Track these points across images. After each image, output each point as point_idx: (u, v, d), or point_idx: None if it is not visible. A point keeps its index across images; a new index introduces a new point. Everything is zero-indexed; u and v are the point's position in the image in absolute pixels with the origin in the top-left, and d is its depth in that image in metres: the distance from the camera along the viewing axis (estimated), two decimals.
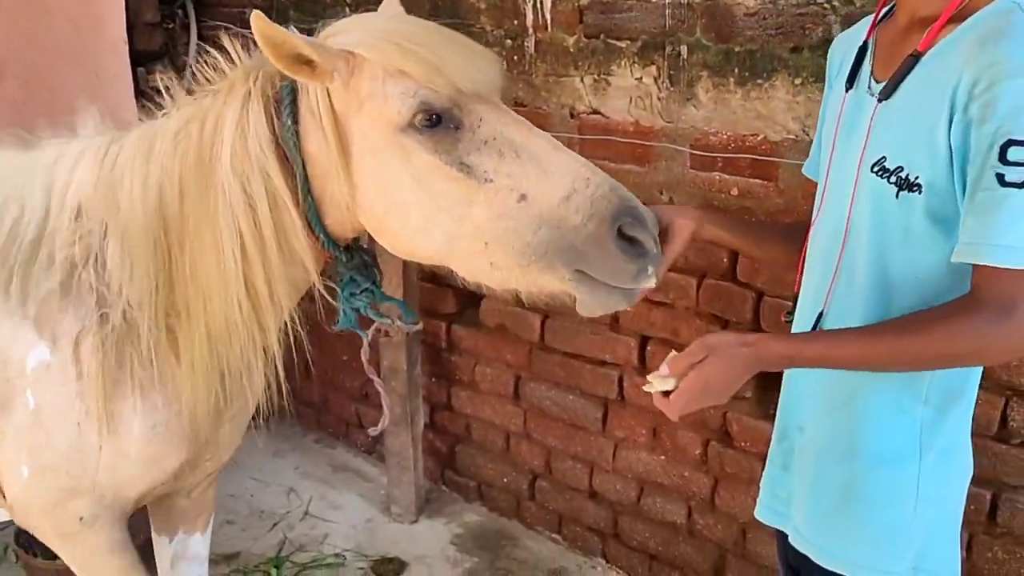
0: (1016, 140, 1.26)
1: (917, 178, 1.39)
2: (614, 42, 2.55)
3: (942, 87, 1.34)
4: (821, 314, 1.59)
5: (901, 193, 1.41)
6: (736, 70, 2.35)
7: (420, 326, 3.13)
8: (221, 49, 1.63)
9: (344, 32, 1.55)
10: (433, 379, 3.36)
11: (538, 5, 2.66)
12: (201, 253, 1.58)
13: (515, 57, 2.77)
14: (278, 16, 3.33)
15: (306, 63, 1.46)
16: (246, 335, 1.62)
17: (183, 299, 1.63)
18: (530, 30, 2.70)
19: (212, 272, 1.58)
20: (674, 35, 2.44)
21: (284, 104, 1.54)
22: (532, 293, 1.55)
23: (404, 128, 1.47)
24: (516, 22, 2.73)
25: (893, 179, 1.42)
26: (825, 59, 1.73)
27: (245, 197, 1.54)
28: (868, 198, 1.48)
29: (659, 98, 2.51)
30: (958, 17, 1.37)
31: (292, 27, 3.05)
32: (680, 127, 2.49)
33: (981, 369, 1.55)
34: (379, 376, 2.97)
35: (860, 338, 1.43)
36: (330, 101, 1.52)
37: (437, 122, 1.47)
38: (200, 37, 3.53)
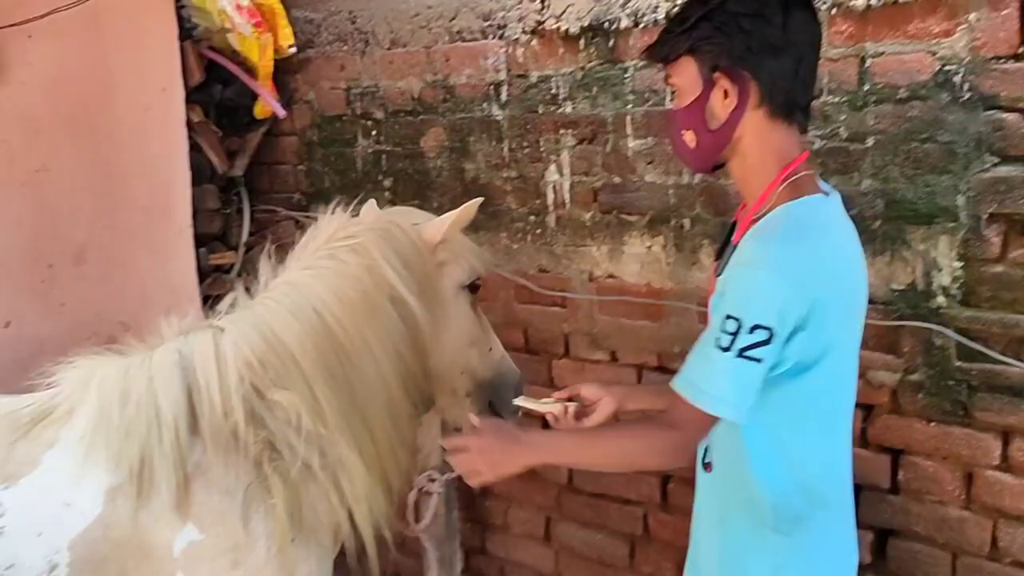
0: (730, 314, 1.61)
1: None
2: (626, 217, 2.96)
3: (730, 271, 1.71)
4: (707, 447, 1.88)
5: None
6: None
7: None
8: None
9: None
10: (468, 524, 3.60)
11: (557, 187, 3.08)
12: (386, 359, 2.00)
13: (538, 231, 3.17)
14: (325, 201, 3.75)
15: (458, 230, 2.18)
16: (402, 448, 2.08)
17: (367, 411, 1.98)
18: (551, 208, 3.11)
19: (395, 373, 2.02)
20: (677, 210, 2.84)
21: None
22: (448, 415, 2.29)
23: (463, 287, 2.19)
24: (538, 201, 3.14)
25: None
26: None
27: (402, 316, 2.03)
28: None
29: (667, 263, 2.88)
30: (761, 214, 1.72)
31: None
32: (687, 287, 2.85)
33: (825, 499, 1.80)
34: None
35: (579, 438, 1.91)
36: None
37: (476, 288, 2.23)
38: (252, 220, 3.95)
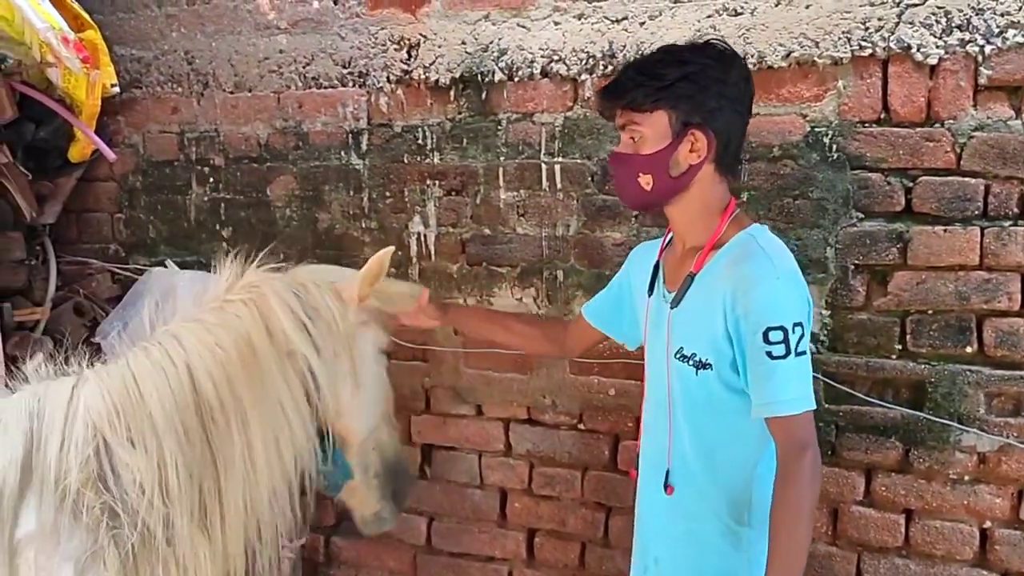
0: (771, 326, 1.76)
1: (707, 359, 1.87)
2: (495, 268, 2.94)
3: (714, 294, 1.86)
4: (668, 471, 1.98)
5: (699, 372, 1.89)
6: None
7: (304, 540, 3.20)
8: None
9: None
10: None
11: (422, 238, 3.01)
12: (258, 425, 1.88)
13: None
14: (148, 252, 3.48)
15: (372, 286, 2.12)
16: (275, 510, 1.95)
17: (222, 477, 1.84)
18: (414, 259, 3.03)
19: (263, 441, 1.89)
20: (551, 262, 2.86)
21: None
22: (355, 498, 2.22)
23: (383, 352, 2.21)
24: (400, 253, 3.05)
25: (691, 362, 1.90)
26: None
27: (297, 370, 1.94)
28: (676, 378, 1.95)
29: (539, 314, 2.88)
30: (716, 245, 1.91)
31: (168, 260, 3.22)
32: None
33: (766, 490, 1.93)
34: None
35: (787, 555, 1.76)
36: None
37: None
38: (58, 272, 3.56)
